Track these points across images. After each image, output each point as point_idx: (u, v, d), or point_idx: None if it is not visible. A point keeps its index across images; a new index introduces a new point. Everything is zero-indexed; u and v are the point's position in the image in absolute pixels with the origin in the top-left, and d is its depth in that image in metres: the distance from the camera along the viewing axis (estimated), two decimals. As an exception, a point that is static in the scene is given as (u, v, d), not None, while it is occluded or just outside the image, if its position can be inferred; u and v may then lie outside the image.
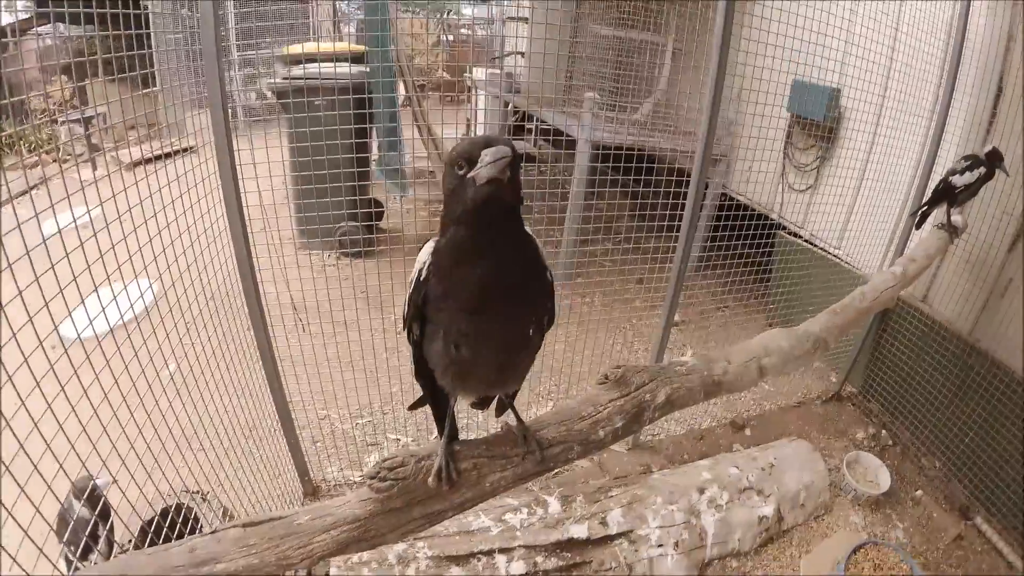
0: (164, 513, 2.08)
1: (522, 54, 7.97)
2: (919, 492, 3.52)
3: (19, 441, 1.28)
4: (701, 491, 3.01)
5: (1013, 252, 3.30)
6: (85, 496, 1.89)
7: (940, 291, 3.71)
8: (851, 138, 4.23)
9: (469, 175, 0.95)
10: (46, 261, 1.39)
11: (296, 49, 4.77)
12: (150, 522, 1.96)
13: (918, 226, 3.33)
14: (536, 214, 4.38)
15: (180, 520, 2.13)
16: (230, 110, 2.21)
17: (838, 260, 4.35)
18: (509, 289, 1.04)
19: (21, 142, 6.74)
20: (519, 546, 2.60)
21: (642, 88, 5.73)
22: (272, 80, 4.89)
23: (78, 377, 1.54)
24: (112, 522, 2.06)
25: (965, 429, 3.43)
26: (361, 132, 3.11)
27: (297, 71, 4.65)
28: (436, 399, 1.33)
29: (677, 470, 3.24)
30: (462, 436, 1.30)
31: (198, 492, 2.36)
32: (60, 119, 6.97)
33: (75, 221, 1.53)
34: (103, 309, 1.64)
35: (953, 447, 3.50)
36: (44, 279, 1.39)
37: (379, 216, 5.74)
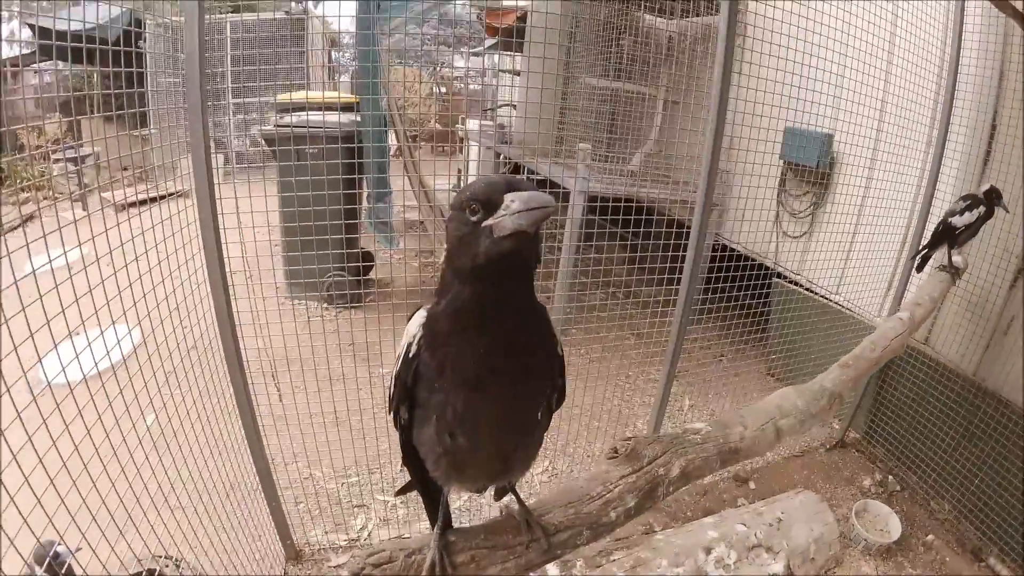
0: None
1: (514, 105, 8.07)
2: (930, 537, 3.41)
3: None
4: (708, 551, 2.81)
5: (1015, 289, 3.29)
6: (44, 566, 1.73)
7: (942, 333, 3.68)
8: (846, 182, 4.22)
9: (486, 223, 0.79)
10: (26, 299, 1.30)
11: (289, 97, 4.77)
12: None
13: (919, 269, 3.28)
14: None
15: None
16: (222, 156, 2.14)
17: (838, 306, 4.28)
18: (517, 363, 0.88)
19: (14, 176, 6.70)
20: (517, 619, 2.42)
21: (635, 139, 5.75)
22: (261, 127, 4.87)
23: (67, 421, 1.45)
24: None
25: (974, 470, 3.36)
26: (351, 182, 3.06)
27: (289, 119, 4.63)
28: (427, 488, 1.17)
29: (681, 529, 3.05)
30: (456, 504, 1.16)
31: (171, 557, 2.17)
32: (54, 156, 6.95)
33: (45, 265, 1.42)
34: (61, 363, 1.52)
35: (962, 488, 3.43)
36: (19, 320, 1.30)
37: (368, 269, 5.65)
